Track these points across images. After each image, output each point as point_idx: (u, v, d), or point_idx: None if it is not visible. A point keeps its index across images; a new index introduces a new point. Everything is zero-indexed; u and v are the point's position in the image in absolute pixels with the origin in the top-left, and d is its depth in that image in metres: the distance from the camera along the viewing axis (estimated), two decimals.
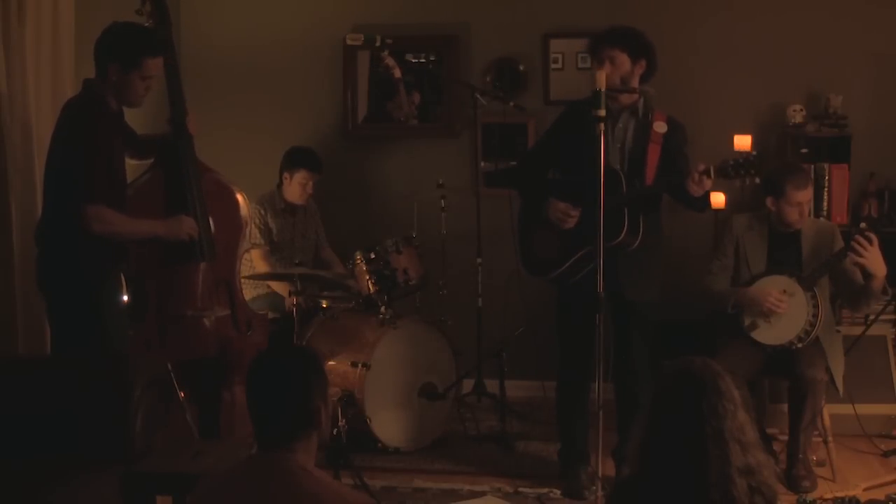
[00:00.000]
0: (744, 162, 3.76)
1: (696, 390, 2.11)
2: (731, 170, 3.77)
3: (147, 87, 3.70)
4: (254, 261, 4.93)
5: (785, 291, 4.11)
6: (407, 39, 5.34)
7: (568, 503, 3.99)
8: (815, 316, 4.08)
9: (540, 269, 4.10)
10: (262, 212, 5.03)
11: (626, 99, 3.93)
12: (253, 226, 4.83)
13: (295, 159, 5.09)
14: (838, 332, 4.43)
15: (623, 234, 3.81)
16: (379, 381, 4.45)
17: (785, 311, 4.10)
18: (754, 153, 3.84)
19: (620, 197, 3.78)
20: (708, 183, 3.75)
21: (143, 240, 3.77)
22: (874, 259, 3.97)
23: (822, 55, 5.20)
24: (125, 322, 3.76)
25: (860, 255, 3.96)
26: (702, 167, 3.74)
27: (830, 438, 4.21)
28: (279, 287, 4.93)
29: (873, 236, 3.97)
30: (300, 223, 5.17)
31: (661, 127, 3.95)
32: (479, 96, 4.97)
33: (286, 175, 5.09)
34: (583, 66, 5.25)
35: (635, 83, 3.91)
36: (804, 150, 5.03)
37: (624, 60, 3.88)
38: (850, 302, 4.33)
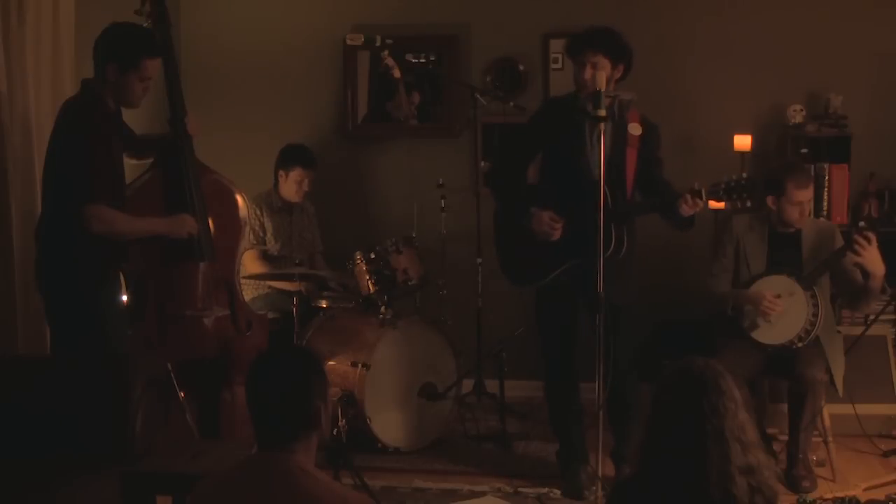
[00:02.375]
0: (735, 185, 3.71)
1: (697, 389, 2.11)
2: (722, 192, 3.74)
3: (145, 88, 3.69)
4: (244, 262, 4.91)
5: (780, 296, 4.11)
6: (407, 39, 5.34)
7: (568, 503, 3.99)
8: (816, 315, 4.08)
9: (523, 280, 4.09)
10: (258, 211, 5.02)
11: None
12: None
13: (289, 157, 5.10)
14: (838, 332, 4.43)
15: (612, 249, 3.78)
16: (379, 381, 4.45)
17: (779, 313, 4.10)
18: (745, 176, 3.77)
19: (609, 215, 3.70)
20: (700, 204, 3.73)
21: (144, 238, 3.77)
22: (873, 258, 3.98)
23: (823, 55, 5.20)
24: (124, 322, 3.76)
25: (859, 255, 3.97)
26: (696, 186, 3.72)
27: (830, 438, 4.21)
28: (282, 284, 4.91)
29: (872, 235, 3.97)
30: (297, 222, 5.18)
31: (636, 129, 3.92)
32: (479, 96, 4.97)
33: (281, 173, 5.10)
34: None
35: (612, 86, 3.89)
36: (804, 150, 5.02)
37: (606, 65, 3.83)
38: (850, 301, 4.33)
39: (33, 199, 3.99)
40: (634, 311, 4.00)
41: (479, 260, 5.08)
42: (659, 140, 4.03)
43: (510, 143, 4.32)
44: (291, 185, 5.09)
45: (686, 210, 3.74)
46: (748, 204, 3.75)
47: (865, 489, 4.02)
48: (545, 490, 4.06)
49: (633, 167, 3.90)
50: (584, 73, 3.84)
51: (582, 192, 3.68)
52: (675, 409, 2.13)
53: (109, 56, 3.61)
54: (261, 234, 5.04)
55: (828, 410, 4.20)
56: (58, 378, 3.40)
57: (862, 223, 4.31)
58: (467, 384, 5.03)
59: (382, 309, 4.58)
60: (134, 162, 4.03)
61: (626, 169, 3.89)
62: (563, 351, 4.01)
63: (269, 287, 5.01)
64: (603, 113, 3.49)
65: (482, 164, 5.26)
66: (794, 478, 4.03)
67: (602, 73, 3.60)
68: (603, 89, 3.51)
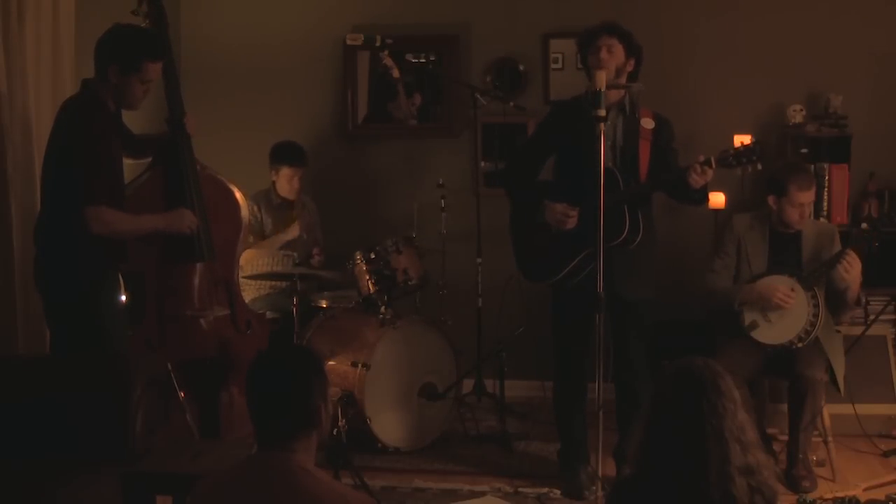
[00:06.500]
0: (744, 150, 3.76)
1: (697, 389, 2.11)
2: (732, 159, 3.77)
3: (146, 90, 3.69)
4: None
5: (793, 289, 4.12)
6: (407, 39, 5.34)
7: (568, 503, 3.99)
8: (816, 315, 4.08)
9: (541, 274, 4.07)
10: (256, 208, 5.04)
11: (613, 95, 3.90)
12: None
13: (277, 156, 5.13)
14: (838, 332, 4.43)
15: (626, 232, 3.81)
16: (379, 381, 4.45)
17: (792, 308, 4.10)
18: (754, 140, 3.83)
19: (619, 194, 3.77)
20: (710, 173, 3.74)
21: (144, 237, 3.76)
22: (855, 277, 4.09)
23: (822, 55, 5.20)
24: (124, 322, 3.76)
25: (846, 272, 4.02)
26: (702, 158, 3.74)
27: (830, 438, 4.21)
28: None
29: (858, 261, 4.05)
30: (300, 217, 5.19)
31: (648, 123, 3.95)
32: (479, 96, 4.97)
33: (273, 171, 5.13)
34: (582, 67, 5.25)
35: (623, 79, 3.91)
36: (804, 150, 5.02)
37: (620, 51, 3.87)
38: (833, 306, 4.32)
39: (33, 199, 3.99)
40: (650, 307, 4.01)
41: (479, 260, 5.08)
42: (673, 133, 4.04)
43: (522, 147, 4.36)
44: (283, 183, 5.13)
45: (696, 180, 3.74)
46: (759, 167, 3.78)
47: (865, 489, 4.02)
48: (545, 490, 4.06)
49: (646, 158, 3.91)
50: (599, 54, 3.85)
51: (594, 184, 3.66)
52: (674, 410, 2.13)
53: (111, 57, 3.60)
54: (258, 229, 5.04)
55: (828, 410, 4.20)
56: (58, 378, 3.40)
57: (864, 224, 4.32)
58: (467, 384, 5.03)
59: (382, 309, 4.58)
60: (131, 161, 4.03)
61: (639, 159, 3.90)
62: (575, 351, 4.01)
63: (270, 287, 5.02)
64: (603, 113, 3.49)
65: (482, 164, 5.27)
66: (794, 478, 4.03)
67: (603, 73, 3.59)
68: (602, 88, 3.51)
